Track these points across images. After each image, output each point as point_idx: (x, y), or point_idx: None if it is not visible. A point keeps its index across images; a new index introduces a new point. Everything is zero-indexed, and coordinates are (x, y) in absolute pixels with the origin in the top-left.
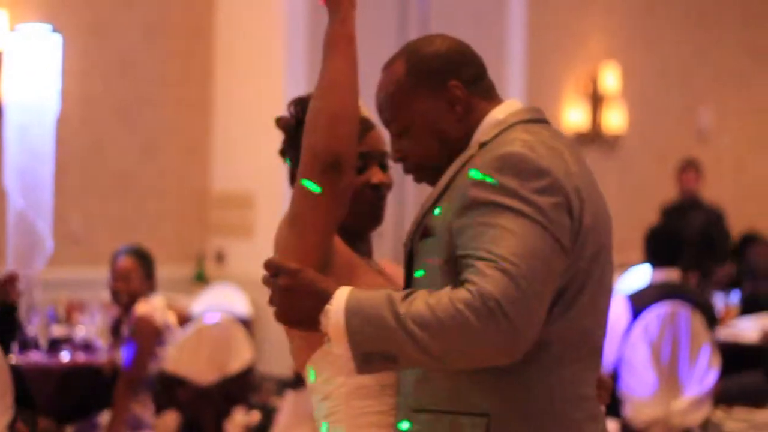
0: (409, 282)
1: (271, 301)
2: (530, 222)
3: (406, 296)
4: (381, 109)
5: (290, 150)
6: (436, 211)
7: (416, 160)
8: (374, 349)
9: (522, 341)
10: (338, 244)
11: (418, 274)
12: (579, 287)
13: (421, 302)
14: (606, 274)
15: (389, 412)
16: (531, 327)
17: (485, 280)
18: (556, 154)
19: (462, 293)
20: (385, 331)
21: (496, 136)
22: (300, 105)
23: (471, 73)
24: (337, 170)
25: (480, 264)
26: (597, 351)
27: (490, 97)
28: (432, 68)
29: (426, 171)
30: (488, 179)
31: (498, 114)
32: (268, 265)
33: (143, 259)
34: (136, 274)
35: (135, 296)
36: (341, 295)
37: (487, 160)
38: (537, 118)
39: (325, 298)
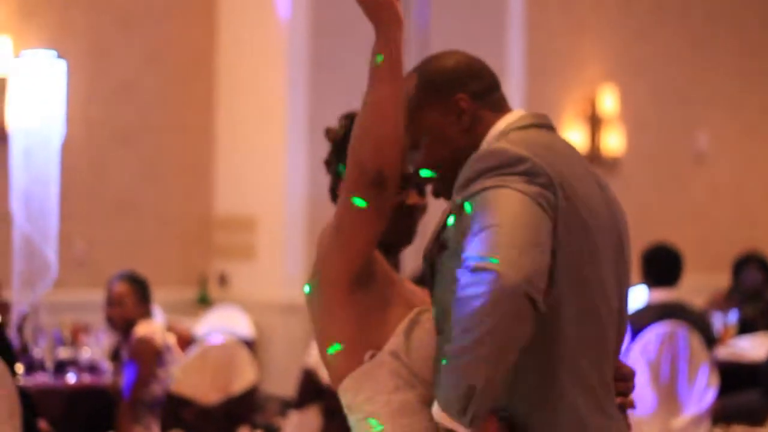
0: (435, 294)
1: None
2: (508, 190)
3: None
4: None
5: (335, 161)
6: (449, 222)
7: (439, 166)
8: (461, 393)
9: (517, 281)
10: (378, 256)
11: (444, 288)
12: (573, 274)
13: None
14: (607, 276)
15: (431, 426)
16: (521, 268)
17: (469, 251)
18: (541, 149)
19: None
20: (447, 372)
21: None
22: (350, 119)
23: (479, 87)
24: (382, 186)
25: (468, 242)
26: (604, 341)
27: (499, 108)
28: (439, 82)
29: (441, 182)
30: (470, 178)
31: (501, 125)
32: None
33: (137, 284)
34: (129, 299)
35: (130, 321)
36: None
37: (470, 160)
38: (536, 123)
39: None
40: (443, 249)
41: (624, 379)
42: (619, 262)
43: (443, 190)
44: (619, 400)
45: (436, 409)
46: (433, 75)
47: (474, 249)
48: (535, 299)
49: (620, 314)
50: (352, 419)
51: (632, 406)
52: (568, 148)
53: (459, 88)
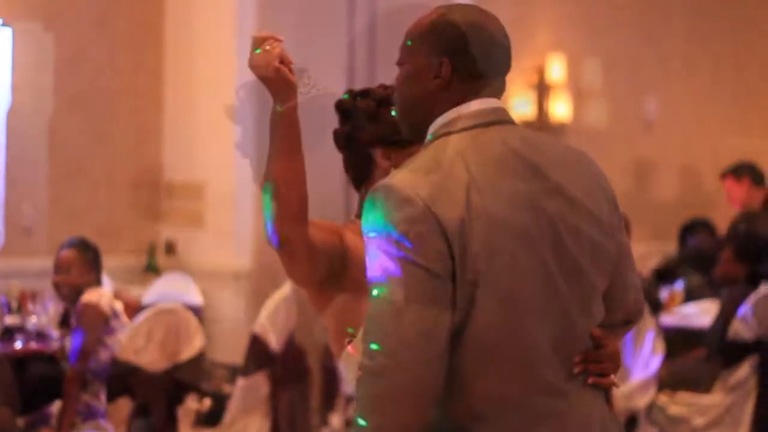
0: None
1: None
2: (401, 261)
3: None
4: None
5: (344, 133)
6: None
7: (398, 98)
8: None
9: (408, 373)
10: (354, 244)
11: None
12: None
13: None
14: (523, 277)
15: None
16: (411, 355)
17: (363, 337)
18: (440, 179)
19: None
20: None
21: (430, 143)
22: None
23: (468, 63)
24: (289, 253)
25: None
26: (529, 353)
27: (476, 93)
28: (441, 36)
29: (401, 118)
30: (369, 213)
31: (452, 114)
32: None
33: (86, 251)
34: (77, 267)
35: (77, 288)
36: None
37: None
38: (476, 124)
39: None
40: None
41: (596, 361)
42: (561, 256)
43: (401, 126)
44: (591, 380)
45: None
46: (441, 25)
47: (366, 341)
48: (433, 382)
49: (561, 306)
50: None
51: (612, 384)
52: (503, 148)
53: (448, 53)
